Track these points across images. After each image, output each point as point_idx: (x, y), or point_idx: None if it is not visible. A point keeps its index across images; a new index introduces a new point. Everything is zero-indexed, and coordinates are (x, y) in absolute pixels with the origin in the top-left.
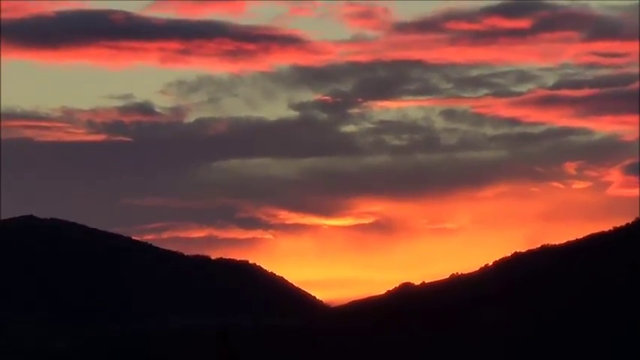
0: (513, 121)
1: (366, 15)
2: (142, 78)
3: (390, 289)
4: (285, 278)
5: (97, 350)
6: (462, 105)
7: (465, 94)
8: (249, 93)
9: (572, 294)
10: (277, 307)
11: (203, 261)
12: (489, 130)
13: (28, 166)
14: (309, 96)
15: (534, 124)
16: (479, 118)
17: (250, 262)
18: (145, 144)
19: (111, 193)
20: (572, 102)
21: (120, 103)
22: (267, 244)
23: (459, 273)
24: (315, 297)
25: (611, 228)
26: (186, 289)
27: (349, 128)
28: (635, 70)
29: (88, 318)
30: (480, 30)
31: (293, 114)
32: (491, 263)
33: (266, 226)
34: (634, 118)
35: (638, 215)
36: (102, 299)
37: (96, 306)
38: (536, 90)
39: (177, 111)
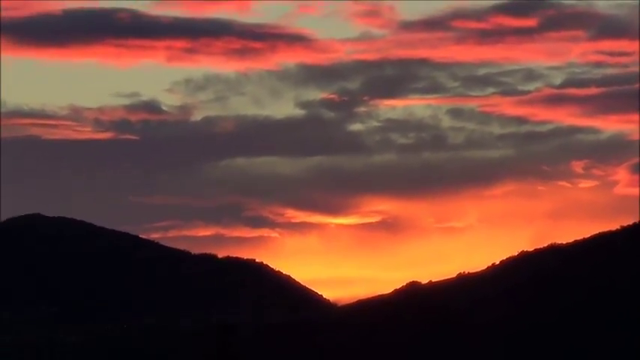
0: (520, 120)
1: (372, 13)
2: (149, 76)
3: (397, 287)
4: (292, 276)
5: (104, 347)
6: (469, 104)
7: (472, 93)
8: (256, 91)
9: (579, 293)
10: (284, 305)
11: (210, 259)
12: (496, 129)
13: (35, 164)
14: (315, 94)
15: (541, 122)
16: (486, 117)
17: (257, 260)
18: (152, 142)
19: (118, 191)
20: (579, 101)
21: (127, 102)
22: (273, 242)
23: (467, 272)
24: (321, 295)
25: (618, 227)
26: (194, 287)
27: (356, 127)
28: None
29: (95, 315)
30: (486, 29)
31: (300, 112)
32: (498, 262)
33: (272, 224)
34: None
35: None
36: (108, 297)
37: (102, 303)
38: (543, 89)
39: (184, 109)
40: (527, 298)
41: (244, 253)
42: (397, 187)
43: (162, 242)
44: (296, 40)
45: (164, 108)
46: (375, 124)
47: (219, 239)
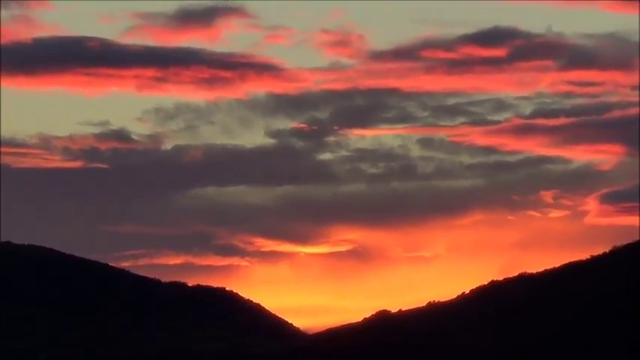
0: (490, 150)
1: (341, 43)
2: (119, 105)
3: (367, 316)
4: (262, 305)
5: None
6: (439, 133)
7: (442, 123)
8: (226, 120)
9: (549, 322)
10: (254, 333)
11: (180, 287)
12: (466, 159)
13: (5, 193)
14: (285, 124)
15: (511, 152)
16: (455, 147)
17: (227, 288)
18: (122, 171)
19: (88, 220)
20: (549, 131)
21: (96, 130)
22: (243, 271)
23: (436, 301)
24: (292, 324)
25: (588, 257)
26: (163, 314)
27: (326, 156)
28: (611, 99)
29: (64, 342)
30: (455, 58)
31: (270, 142)
32: (468, 291)
33: (242, 253)
34: (610, 147)
35: (614, 244)
36: (78, 323)
37: (71, 329)
38: (512, 119)
39: (154, 138)
40: (497, 328)
41: (214, 282)
42: (367, 217)
43: (133, 270)
44: (265, 69)
45: (134, 137)
46: (345, 153)
47: (189, 268)
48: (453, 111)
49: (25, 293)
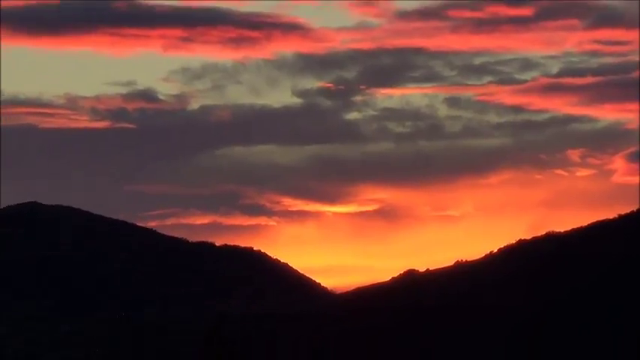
0: (517, 109)
1: (367, 2)
2: (145, 65)
3: (395, 276)
4: (290, 265)
5: (101, 336)
6: (466, 92)
7: (469, 82)
8: (253, 80)
9: (577, 281)
10: (282, 293)
11: (207, 247)
12: (493, 118)
13: (31, 153)
14: (312, 83)
15: (538, 111)
16: (483, 106)
17: (254, 248)
18: (149, 131)
19: (114, 180)
20: (576, 90)
21: (123, 90)
22: (270, 230)
23: (464, 260)
24: (319, 284)
25: (616, 215)
26: (191, 275)
27: (353, 115)
28: (637, 58)
29: (93, 304)
30: (482, 18)
31: (296, 101)
32: (496, 250)
33: (270, 212)
34: (637, 106)
35: None
36: (106, 286)
37: (100, 292)
38: (539, 78)
39: (181, 98)
40: (525, 286)
41: (242, 242)
42: (394, 176)
43: (160, 230)
44: (292, 29)
45: (161, 97)
46: (372, 113)
47: (216, 227)
48: (480, 70)
49: (48, 253)
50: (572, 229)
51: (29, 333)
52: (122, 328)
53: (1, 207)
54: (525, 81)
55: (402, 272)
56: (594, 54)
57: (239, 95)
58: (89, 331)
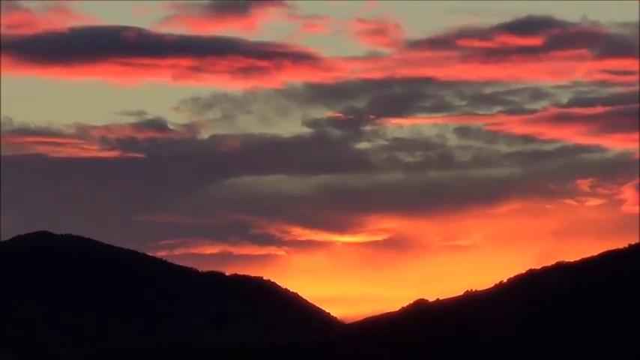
0: (527, 139)
1: (378, 32)
2: (155, 94)
3: (405, 305)
4: (299, 294)
5: None
6: (476, 122)
7: (479, 112)
8: (263, 110)
9: (587, 311)
10: (292, 323)
11: (217, 277)
12: (503, 148)
13: (42, 182)
14: (322, 113)
15: (548, 141)
16: (492, 136)
17: (264, 278)
18: (159, 160)
19: (124, 210)
20: (585, 119)
21: (133, 120)
22: (280, 260)
23: (474, 290)
24: (329, 313)
25: (626, 245)
26: (201, 304)
27: (363, 145)
28: None
29: (102, 333)
30: (492, 47)
31: (307, 131)
32: (505, 280)
33: (279, 242)
34: None
35: None
36: (115, 314)
37: (109, 321)
38: (549, 107)
39: (191, 127)
40: (535, 316)
41: (251, 271)
42: (404, 206)
43: (169, 260)
44: (302, 58)
45: (170, 126)
46: (382, 142)
47: (226, 257)
48: (490, 100)
49: (58, 283)
50: (583, 259)
51: None
52: (130, 357)
53: (11, 237)
54: (535, 111)
55: (411, 302)
56: (604, 84)
57: (249, 125)
58: None
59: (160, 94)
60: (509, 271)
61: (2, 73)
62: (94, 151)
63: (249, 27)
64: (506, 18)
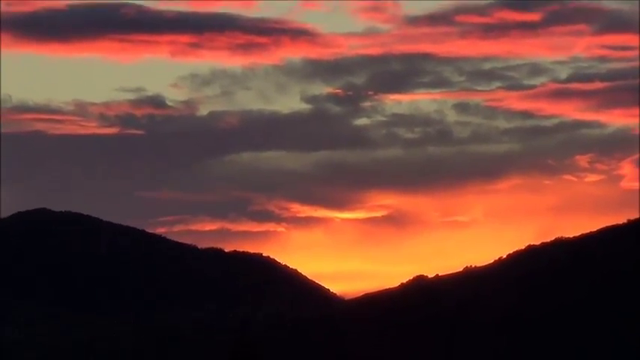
0: (526, 115)
1: (376, 8)
2: (154, 71)
3: (404, 281)
4: (299, 270)
5: (109, 343)
6: (475, 98)
7: (478, 88)
8: (262, 86)
9: (586, 286)
10: (292, 298)
11: (217, 254)
12: (502, 123)
13: (40, 159)
14: (321, 89)
15: (547, 117)
16: (491, 112)
17: (263, 254)
18: (157, 137)
19: (123, 186)
20: (584, 95)
21: (132, 97)
22: (279, 237)
23: (473, 266)
24: (328, 289)
25: (625, 221)
26: (200, 281)
27: (362, 121)
28: None
29: (101, 310)
30: (490, 23)
31: (305, 107)
32: (505, 256)
33: (278, 219)
34: None
35: None
36: (114, 292)
37: (109, 298)
38: (548, 83)
39: (190, 104)
40: (534, 292)
41: (250, 248)
42: (402, 182)
43: (169, 236)
44: (300, 34)
45: (169, 103)
46: (381, 118)
47: (225, 234)
48: (489, 76)
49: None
50: (582, 235)
51: (41, 337)
52: (130, 334)
53: (11, 213)
54: (534, 86)
55: (411, 278)
56: (603, 59)
57: (248, 101)
58: (97, 338)
59: (158, 71)
60: (509, 247)
61: (1, 50)
62: (92, 128)
63: (247, 3)
64: None
